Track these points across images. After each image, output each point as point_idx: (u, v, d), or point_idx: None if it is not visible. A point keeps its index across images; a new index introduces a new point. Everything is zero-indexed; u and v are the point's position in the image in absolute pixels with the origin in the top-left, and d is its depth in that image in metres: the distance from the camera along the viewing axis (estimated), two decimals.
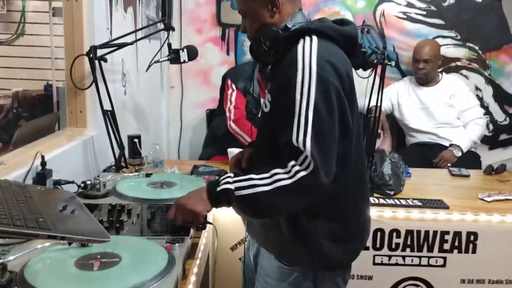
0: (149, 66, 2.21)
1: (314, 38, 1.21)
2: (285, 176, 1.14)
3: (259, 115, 1.38)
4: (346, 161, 1.24)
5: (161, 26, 2.28)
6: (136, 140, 2.20)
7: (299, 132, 1.13)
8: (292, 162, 1.14)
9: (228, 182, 1.18)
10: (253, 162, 1.40)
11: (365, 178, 1.40)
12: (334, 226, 1.28)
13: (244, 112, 2.75)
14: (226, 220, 1.90)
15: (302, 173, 1.12)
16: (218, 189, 1.18)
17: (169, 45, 2.19)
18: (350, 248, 1.34)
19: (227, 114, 2.74)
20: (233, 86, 2.80)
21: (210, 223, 1.37)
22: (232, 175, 1.20)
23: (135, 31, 2.29)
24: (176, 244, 1.20)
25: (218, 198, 1.19)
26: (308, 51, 1.18)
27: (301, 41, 1.20)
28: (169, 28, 2.21)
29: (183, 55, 2.18)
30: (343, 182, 1.24)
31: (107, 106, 1.99)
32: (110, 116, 2.00)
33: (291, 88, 1.16)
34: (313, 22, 1.29)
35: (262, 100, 2.76)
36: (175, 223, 1.26)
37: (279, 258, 1.33)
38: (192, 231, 1.33)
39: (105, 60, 1.90)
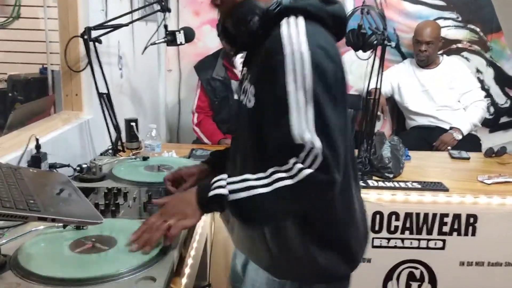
0: (145, 48, 2.18)
1: (300, 18, 1.04)
2: (286, 174, 0.99)
3: (240, 112, 1.18)
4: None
5: (157, 7, 2.24)
6: (133, 123, 2.18)
7: (301, 124, 0.98)
8: (293, 160, 0.99)
9: (221, 186, 1.03)
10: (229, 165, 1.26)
11: (357, 174, 1.23)
12: (329, 233, 1.13)
13: (208, 111, 2.93)
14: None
15: (307, 171, 0.98)
16: (210, 194, 1.03)
17: (166, 26, 2.16)
18: (349, 257, 1.18)
19: (191, 117, 2.96)
20: (199, 82, 2.95)
21: None
22: (225, 176, 1.05)
23: (131, 12, 2.25)
24: None
25: (210, 204, 1.04)
26: (295, 33, 1.02)
27: (285, 22, 1.03)
28: (165, 9, 2.17)
29: (180, 37, 2.14)
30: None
31: (103, 89, 1.96)
32: (106, 99, 1.97)
33: (280, 78, 0.99)
34: (297, 0, 1.10)
35: (232, 81, 2.81)
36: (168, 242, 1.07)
37: (267, 270, 1.18)
38: None
39: (100, 42, 1.87)
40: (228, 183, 1.03)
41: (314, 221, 1.11)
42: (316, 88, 0.99)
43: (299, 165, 0.98)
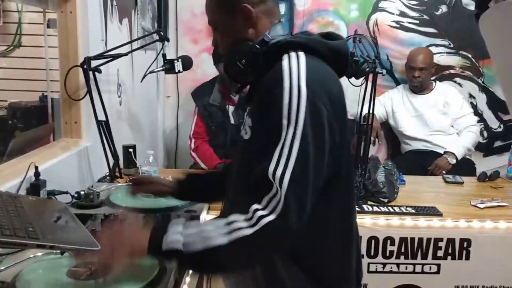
0: (144, 77, 2.24)
1: (301, 54, 1.04)
2: (246, 224, 0.94)
3: (239, 144, 1.18)
4: (329, 198, 1.07)
5: (156, 37, 2.30)
6: (131, 150, 2.21)
7: (279, 164, 0.94)
8: (255, 206, 0.94)
9: (176, 241, 0.95)
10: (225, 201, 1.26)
11: (353, 220, 1.19)
12: (322, 269, 1.12)
13: (205, 136, 2.97)
14: None
15: (267, 219, 0.92)
16: (164, 248, 0.95)
17: (164, 55, 2.22)
18: None
19: (188, 143, 2.99)
20: (196, 108, 3.00)
21: None
22: (180, 228, 0.97)
23: (130, 42, 2.31)
24: None
25: (163, 257, 1.00)
26: (295, 68, 1.00)
27: (286, 56, 1.03)
28: (163, 39, 2.24)
29: (178, 65, 2.20)
30: (325, 225, 1.08)
31: (102, 117, 2.00)
32: (104, 127, 2.01)
33: (275, 110, 0.97)
34: (298, 35, 1.13)
35: (229, 107, 2.86)
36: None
37: None
38: None
39: (99, 71, 1.91)
40: (185, 236, 0.96)
41: (300, 263, 1.09)
42: (307, 128, 0.96)
43: (260, 212, 0.93)
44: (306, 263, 1.10)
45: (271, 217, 0.92)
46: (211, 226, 0.97)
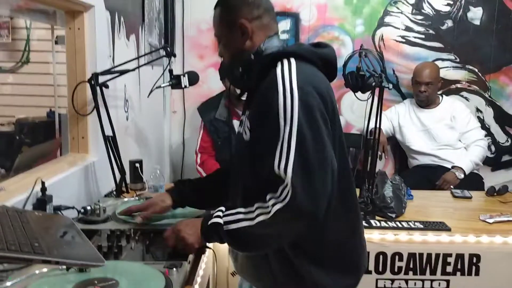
0: (151, 92, 2.25)
1: (292, 60, 1.18)
2: (264, 210, 1.12)
3: (237, 143, 1.34)
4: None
5: (163, 52, 2.32)
6: (137, 165, 2.21)
7: (281, 159, 1.10)
8: (270, 195, 1.12)
9: (218, 216, 1.19)
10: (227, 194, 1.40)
11: (354, 204, 1.32)
12: (326, 259, 1.25)
13: (211, 151, 3.01)
14: (226, 245, 1.89)
15: (278, 206, 1.10)
16: (209, 222, 1.20)
17: (170, 71, 2.23)
18: (346, 282, 1.29)
19: (194, 157, 3.03)
20: (202, 123, 3.04)
21: (208, 247, 1.37)
22: (223, 208, 1.21)
23: (137, 58, 2.33)
24: (174, 269, 1.20)
25: (209, 232, 1.21)
26: (287, 73, 1.15)
27: (279, 64, 1.18)
28: (170, 54, 2.25)
29: (184, 81, 2.21)
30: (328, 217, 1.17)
31: (109, 132, 2.01)
32: (111, 142, 2.02)
33: (272, 113, 1.13)
34: (290, 45, 1.29)
35: (234, 121, 2.86)
36: (168, 245, 1.31)
37: None
38: (190, 256, 1.33)
39: (107, 87, 1.93)
40: (225, 215, 1.18)
41: (305, 247, 1.22)
42: (302, 124, 1.10)
43: (273, 201, 1.11)
44: (310, 247, 1.23)
45: (281, 204, 1.09)
46: (244, 209, 1.16)
